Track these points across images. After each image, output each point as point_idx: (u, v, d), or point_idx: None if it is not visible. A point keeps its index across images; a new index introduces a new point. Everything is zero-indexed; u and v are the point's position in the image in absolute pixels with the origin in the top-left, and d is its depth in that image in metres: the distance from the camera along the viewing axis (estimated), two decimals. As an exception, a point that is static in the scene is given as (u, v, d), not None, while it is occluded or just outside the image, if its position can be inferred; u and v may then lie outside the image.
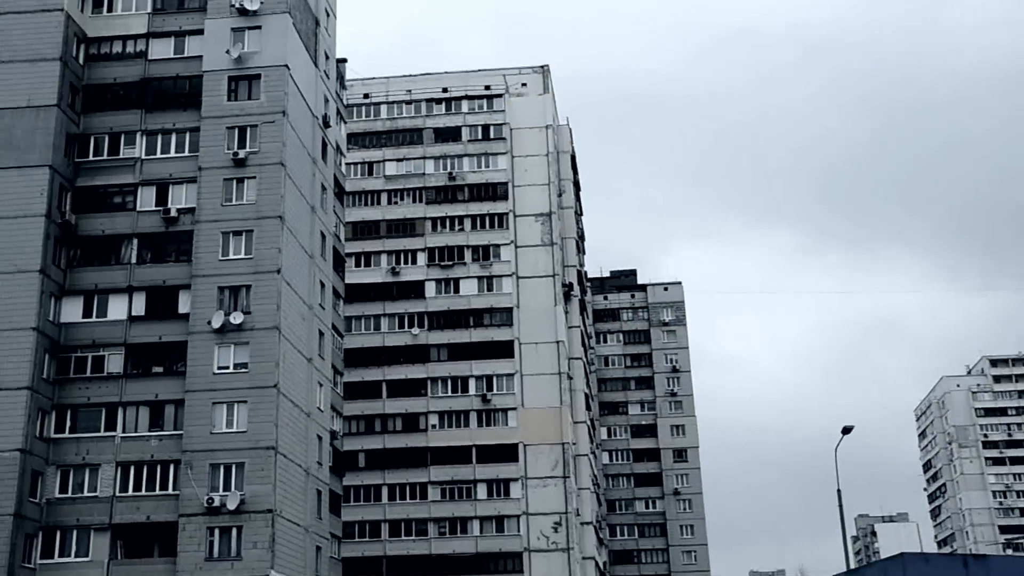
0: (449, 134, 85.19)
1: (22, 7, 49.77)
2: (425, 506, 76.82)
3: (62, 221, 47.92)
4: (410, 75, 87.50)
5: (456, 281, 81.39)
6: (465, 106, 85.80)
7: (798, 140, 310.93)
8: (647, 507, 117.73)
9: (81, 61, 50.89)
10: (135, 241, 48.72)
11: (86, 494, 45.25)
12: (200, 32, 51.15)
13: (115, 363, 47.08)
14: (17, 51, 49.19)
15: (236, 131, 49.44)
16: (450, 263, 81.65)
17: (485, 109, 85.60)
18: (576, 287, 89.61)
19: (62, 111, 48.78)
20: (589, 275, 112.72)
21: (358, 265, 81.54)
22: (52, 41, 49.23)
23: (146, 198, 49.32)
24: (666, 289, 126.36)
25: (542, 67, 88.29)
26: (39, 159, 47.64)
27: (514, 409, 78.43)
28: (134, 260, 48.50)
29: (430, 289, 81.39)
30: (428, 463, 77.48)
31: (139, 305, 47.88)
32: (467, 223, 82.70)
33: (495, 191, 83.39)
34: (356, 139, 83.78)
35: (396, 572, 75.38)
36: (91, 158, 49.90)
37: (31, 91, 48.52)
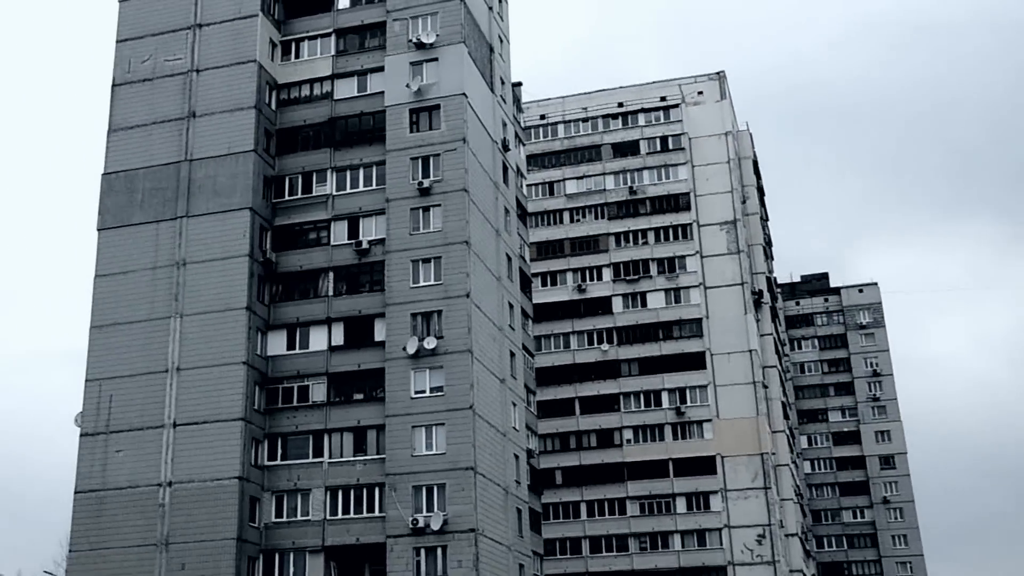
0: (627, 148, 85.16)
1: (220, 62, 53.02)
2: (624, 521, 76.60)
3: (263, 259, 50.59)
4: (585, 92, 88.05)
5: (643, 295, 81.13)
6: (642, 119, 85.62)
7: (989, 127, 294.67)
8: (855, 517, 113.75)
9: (273, 107, 53.71)
10: (331, 274, 50.88)
11: (299, 518, 47.42)
12: (381, 69, 53.08)
13: (319, 392, 49.22)
14: (217, 103, 52.40)
15: (420, 161, 50.98)
16: (636, 277, 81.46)
17: (662, 120, 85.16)
18: (766, 294, 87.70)
19: (259, 155, 51.58)
20: (779, 281, 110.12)
21: (544, 284, 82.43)
22: (247, 91, 52.21)
23: (339, 232, 51.46)
24: (861, 291, 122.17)
25: (717, 73, 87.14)
26: (240, 202, 50.50)
27: (709, 421, 77.38)
28: (331, 292, 50.63)
29: (617, 304, 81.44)
30: (625, 478, 77.33)
31: (338, 335, 49.93)
32: (651, 236, 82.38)
33: (677, 202, 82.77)
34: (535, 160, 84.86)
35: (599, 588, 75.39)
36: (287, 198, 52.53)
37: (230, 139, 51.56)
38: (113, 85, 54.22)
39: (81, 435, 48.73)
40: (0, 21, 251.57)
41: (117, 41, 54.90)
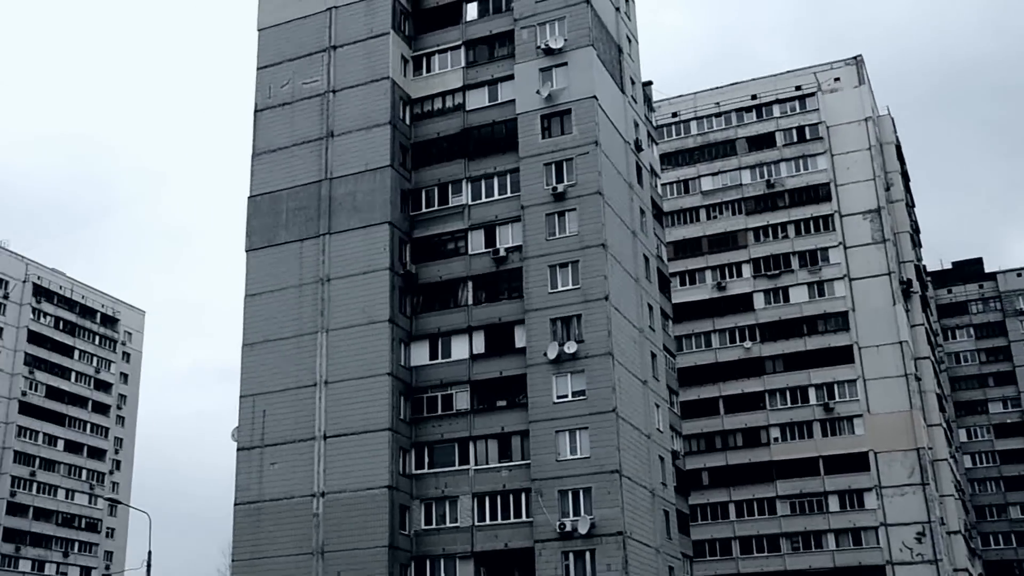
0: (763, 141, 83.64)
1: (355, 82, 54.34)
2: (775, 521, 75.14)
3: (404, 272, 51.57)
4: (717, 87, 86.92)
5: (785, 290, 79.53)
6: (776, 110, 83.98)
7: None
8: (1023, 513, 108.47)
9: (407, 121, 54.72)
10: (470, 283, 51.46)
11: (448, 525, 48.11)
12: (510, 77, 53.44)
13: (462, 400, 49.84)
14: (354, 121, 53.72)
15: (553, 167, 51.10)
16: (777, 272, 79.87)
17: (798, 110, 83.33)
18: (915, 283, 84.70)
19: (395, 170, 52.63)
20: (928, 269, 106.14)
21: (683, 283, 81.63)
22: (382, 107, 53.35)
23: (476, 241, 52.02)
24: (1020, 275, 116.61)
25: (855, 58, 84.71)
26: (379, 217, 51.62)
27: (860, 416, 75.27)
28: (471, 301, 51.22)
29: (758, 300, 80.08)
30: (773, 477, 75.88)
31: (479, 343, 50.44)
32: (791, 229, 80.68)
33: (817, 193, 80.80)
34: (669, 158, 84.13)
35: (752, 590, 74.08)
36: (424, 210, 53.39)
37: (368, 156, 52.78)
38: (255, 111, 56.18)
39: (238, 449, 50.64)
40: (148, 57, 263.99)
41: (258, 68, 56.88)
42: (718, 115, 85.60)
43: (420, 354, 50.97)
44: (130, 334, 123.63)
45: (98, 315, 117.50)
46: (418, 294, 52.16)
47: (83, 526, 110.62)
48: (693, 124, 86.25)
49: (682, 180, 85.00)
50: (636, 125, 58.49)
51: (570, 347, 47.69)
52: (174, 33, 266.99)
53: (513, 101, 53.01)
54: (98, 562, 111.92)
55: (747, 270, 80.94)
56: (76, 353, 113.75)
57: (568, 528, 45.26)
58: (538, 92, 52.15)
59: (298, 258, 52.49)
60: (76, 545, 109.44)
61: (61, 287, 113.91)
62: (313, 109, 54.86)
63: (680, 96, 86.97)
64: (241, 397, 51.33)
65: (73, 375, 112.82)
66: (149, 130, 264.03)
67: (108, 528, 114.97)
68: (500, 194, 52.22)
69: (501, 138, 52.93)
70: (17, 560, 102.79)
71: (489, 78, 54.11)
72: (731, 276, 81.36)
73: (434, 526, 48.30)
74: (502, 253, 50.81)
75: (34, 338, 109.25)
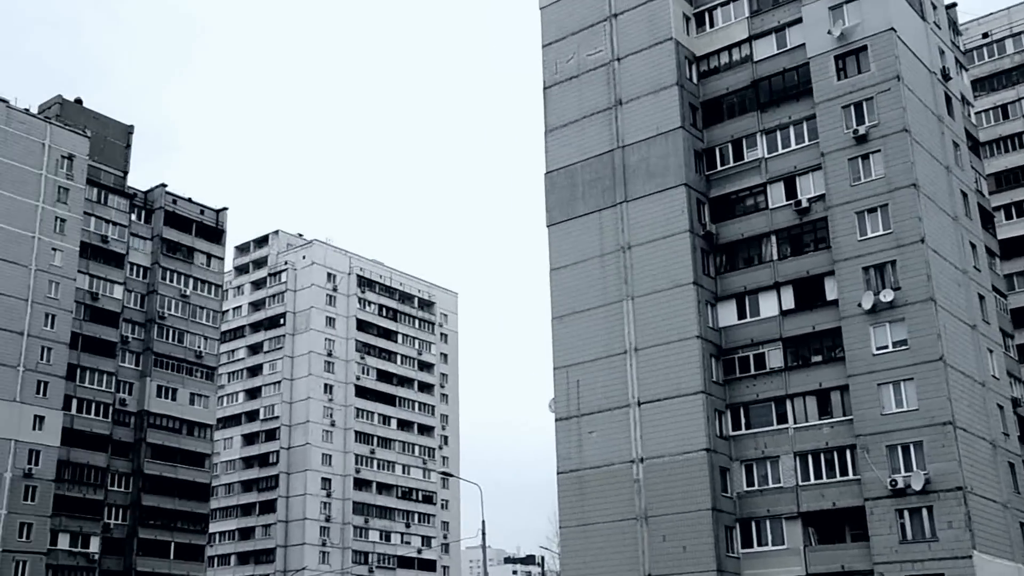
0: (1094, 50, 75.37)
1: (638, 47, 54.14)
2: None
3: (704, 232, 50.91)
4: (1032, -2, 79.08)
5: None
6: (1108, 13, 75.40)
7: None
8: None
9: (694, 80, 53.84)
10: (772, 238, 50.07)
11: (771, 485, 47.20)
12: (798, 21, 51.33)
13: (775, 358, 48.61)
14: (640, 87, 53.55)
15: (851, 108, 48.65)
16: (1120, 194, 71.98)
17: None
18: None
19: (686, 131, 51.97)
20: None
21: (1008, 218, 75.21)
22: (667, 69, 52.83)
23: (775, 195, 50.49)
24: None
25: None
26: (674, 180, 51.20)
27: None
28: (775, 256, 49.81)
29: (1104, 228, 72.44)
30: None
31: (787, 299, 49.02)
32: None
33: None
34: (982, 84, 77.63)
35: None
36: (719, 168, 52.44)
37: (658, 120, 52.45)
38: (544, 88, 57.22)
39: (556, 420, 52.05)
40: (435, 55, 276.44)
41: (543, 46, 57.89)
42: (1037, 28, 77.99)
43: (727, 314, 50.25)
44: (446, 316, 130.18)
45: (415, 300, 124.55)
46: (720, 253, 51.41)
47: (420, 498, 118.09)
48: (1009, 42, 79.01)
49: (999, 105, 78.18)
50: (941, 52, 54.47)
51: (886, 295, 45.33)
52: (454, 29, 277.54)
53: (803, 45, 50.93)
54: (436, 532, 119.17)
55: (1085, 195, 73.39)
56: (399, 337, 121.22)
57: (900, 484, 43.15)
58: (829, 32, 49.76)
59: (598, 228, 53.08)
60: (416, 516, 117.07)
61: (381, 276, 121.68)
62: (599, 79, 55.15)
63: (991, 14, 79.92)
64: (555, 369, 52.67)
65: (398, 358, 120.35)
66: (437, 122, 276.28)
67: (443, 500, 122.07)
68: (797, 143, 50.40)
69: (793, 85, 51.07)
70: (367, 531, 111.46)
71: (776, 24, 52.24)
72: (1066, 204, 74.10)
73: (756, 487, 47.56)
74: (804, 204, 49.03)
75: (362, 326, 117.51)
